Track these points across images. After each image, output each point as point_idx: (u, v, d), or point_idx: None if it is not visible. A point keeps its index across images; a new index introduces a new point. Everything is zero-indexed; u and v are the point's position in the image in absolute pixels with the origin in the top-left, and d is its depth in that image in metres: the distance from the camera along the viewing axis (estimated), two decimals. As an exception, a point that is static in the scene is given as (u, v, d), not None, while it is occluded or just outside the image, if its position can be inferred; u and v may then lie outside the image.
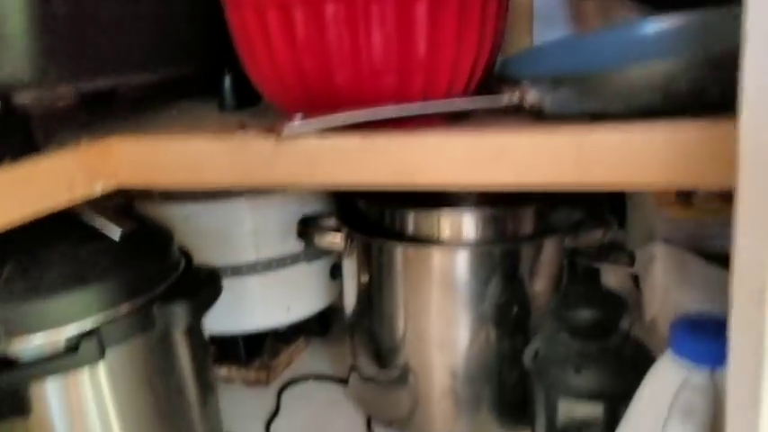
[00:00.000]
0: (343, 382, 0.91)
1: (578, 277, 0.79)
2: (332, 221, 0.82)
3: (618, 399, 0.64)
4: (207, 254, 0.81)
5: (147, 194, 0.84)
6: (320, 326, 1.03)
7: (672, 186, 0.44)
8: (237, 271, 0.87)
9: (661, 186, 0.44)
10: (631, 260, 0.81)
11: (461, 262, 0.73)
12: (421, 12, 0.48)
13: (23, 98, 0.52)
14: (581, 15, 0.69)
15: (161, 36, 0.60)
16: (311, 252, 0.91)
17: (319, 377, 0.94)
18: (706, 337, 0.43)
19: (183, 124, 0.63)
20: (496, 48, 0.56)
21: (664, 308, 0.78)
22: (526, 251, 0.74)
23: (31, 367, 0.51)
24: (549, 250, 0.75)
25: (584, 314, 0.65)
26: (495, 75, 0.58)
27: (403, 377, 0.78)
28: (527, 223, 0.74)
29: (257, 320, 0.91)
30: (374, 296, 0.78)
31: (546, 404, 0.68)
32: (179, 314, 0.58)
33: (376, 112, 0.51)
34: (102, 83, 0.59)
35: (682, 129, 0.42)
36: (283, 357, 0.97)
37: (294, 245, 0.89)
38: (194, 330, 0.66)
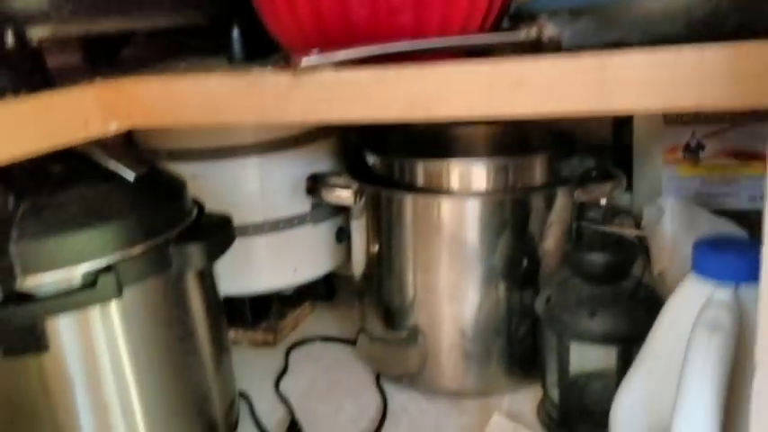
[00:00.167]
0: (351, 343, 0.91)
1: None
2: (340, 179, 0.82)
3: (631, 341, 0.65)
4: (214, 213, 0.81)
5: (153, 153, 0.83)
6: (325, 290, 1.03)
7: (699, 107, 0.44)
8: (244, 231, 0.86)
9: (688, 107, 0.44)
10: (637, 224, 0.81)
11: (471, 212, 0.73)
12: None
13: (37, 32, 0.51)
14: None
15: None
16: (318, 213, 0.91)
17: (326, 338, 0.93)
18: (729, 254, 0.43)
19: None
20: (512, -17, 0.56)
21: (672, 261, 0.78)
22: (536, 201, 0.74)
23: (49, 302, 0.51)
24: (559, 202, 0.75)
25: (598, 258, 0.65)
26: (511, 12, 0.58)
27: (412, 332, 0.78)
28: (537, 173, 0.74)
29: (264, 282, 0.91)
30: (384, 251, 0.78)
31: (558, 351, 0.68)
32: (194, 255, 0.58)
33: (393, 45, 0.52)
34: (112, 24, 0.58)
35: (710, 49, 0.42)
36: (289, 320, 0.97)
37: (301, 205, 0.89)
38: (208, 282, 0.66)
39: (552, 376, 0.72)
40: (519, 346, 0.78)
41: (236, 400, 0.72)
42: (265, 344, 0.93)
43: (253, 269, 0.89)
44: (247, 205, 0.86)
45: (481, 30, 0.57)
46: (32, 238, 0.50)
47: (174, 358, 0.62)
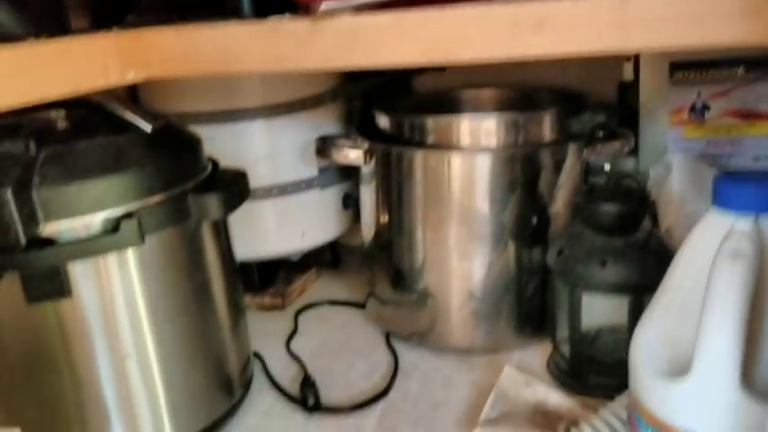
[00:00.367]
0: (359, 306, 0.91)
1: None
2: (349, 141, 0.82)
3: (643, 291, 0.66)
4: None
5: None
6: (331, 258, 1.04)
7: (717, 44, 0.44)
8: (252, 195, 0.86)
9: (707, 44, 0.44)
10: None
11: (482, 167, 0.73)
12: None
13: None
14: None
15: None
16: (325, 178, 0.91)
17: (335, 302, 0.94)
18: (749, 186, 0.44)
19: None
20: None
21: (679, 218, 0.79)
22: (546, 158, 0.74)
23: (72, 247, 0.51)
24: (569, 159, 0.75)
25: (610, 209, 0.65)
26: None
27: (423, 291, 0.79)
28: (547, 129, 0.75)
29: (273, 246, 0.91)
30: (394, 211, 0.78)
31: (570, 304, 0.69)
32: (212, 205, 0.58)
33: (412, -13, 0.52)
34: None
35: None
36: (297, 285, 0.97)
37: (308, 170, 0.89)
38: (224, 239, 0.66)
39: (563, 330, 0.73)
40: (528, 303, 0.78)
41: (250, 357, 0.73)
42: (274, 308, 0.93)
43: (261, 233, 0.89)
44: (255, 169, 0.86)
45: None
46: (54, 184, 0.50)
47: (191, 311, 0.62)
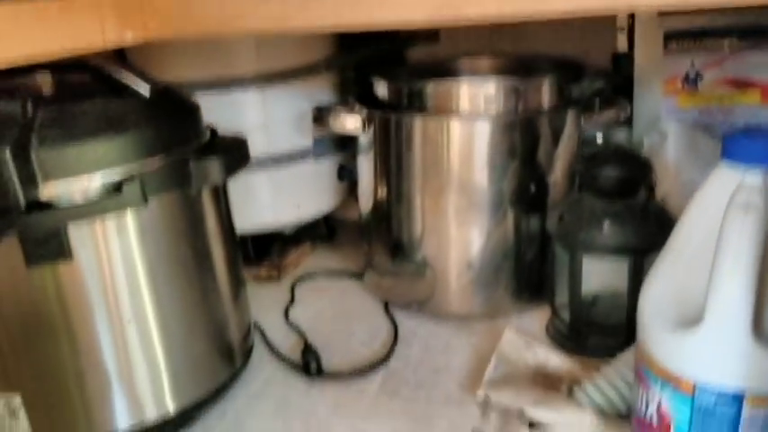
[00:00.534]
0: (355, 277, 0.91)
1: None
2: (346, 110, 0.81)
3: (643, 253, 0.66)
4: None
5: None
6: (326, 231, 1.03)
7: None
8: (248, 165, 0.86)
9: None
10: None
11: (481, 133, 0.73)
12: None
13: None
14: None
15: None
16: (320, 149, 0.91)
17: (331, 273, 0.94)
18: (759, 140, 0.44)
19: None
20: None
21: (675, 184, 0.80)
22: (545, 124, 0.74)
23: (73, 209, 0.50)
24: (567, 126, 0.75)
25: (611, 172, 0.66)
26: None
27: (422, 259, 0.79)
28: (546, 95, 0.75)
29: (268, 218, 0.90)
30: (392, 180, 0.78)
31: (571, 268, 0.69)
32: (213, 170, 0.57)
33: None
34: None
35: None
36: (292, 258, 0.97)
37: (303, 140, 0.89)
38: (224, 206, 0.66)
39: (562, 296, 0.73)
40: (526, 269, 0.79)
41: (251, 326, 0.73)
42: (270, 279, 0.93)
43: (256, 205, 0.88)
44: (249, 139, 0.85)
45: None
46: (54, 145, 0.49)
47: (191, 277, 0.62)
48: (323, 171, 0.93)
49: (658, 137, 0.85)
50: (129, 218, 0.55)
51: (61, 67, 0.55)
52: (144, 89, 0.58)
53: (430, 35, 0.98)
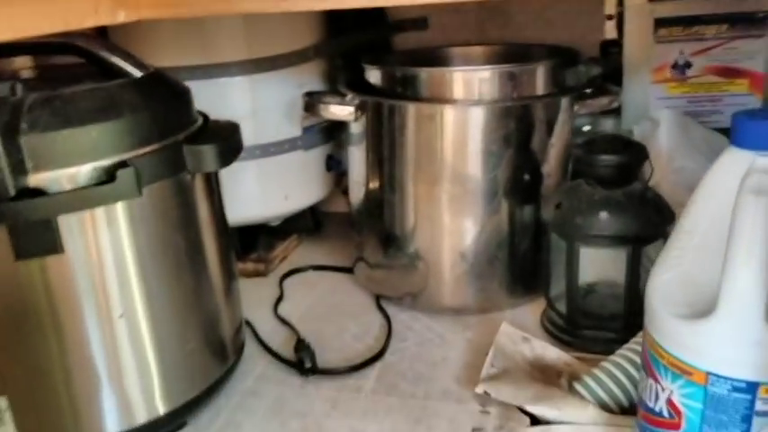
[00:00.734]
0: (344, 271, 0.90)
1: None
2: (336, 97, 0.79)
3: (642, 241, 0.65)
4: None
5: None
6: (312, 223, 1.01)
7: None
8: (235, 156, 0.84)
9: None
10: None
11: (475, 120, 0.72)
12: None
13: None
14: None
15: None
16: (309, 139, 0.89)
17: (319, 267, 0.92)
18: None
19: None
20: None
21: (668, 172, 0.79)
22: (539, 111, 0.73)
23: (64, 198, 0.48)
24: (561, 113, 0.74)
25: (610, 160, 0.65)
26: None
27: (415, 251, 0.77)
28: (541, 82, 0.74)
29: (255, 210, 0.88)
30: (385, 170, 0.76)
31: (568, 257, 0.68)
32: (208, 157, 0.55)
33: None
34: None
35: None
36: (279, 251, 0.95)
37: (292, 129, 0.87)
38: (216, 196, 0.64)
39: (558, 286, 0.72)
40: (521, 261, 0.78)
41: (242, 321, 0.70)
42: (256, 274, 0.91)
43: (243, 196, 0.86)
44: (238, 128, 0.83)
45: None
46: (44, 130, 0.47)
47: (183, 270, 0.59)
48: (311, 161, 0.91)
49: (650, 124, 0.84)
50: (120, 207, 0.52)
51: (45, 48, 0.52)
52: (135, 72, 0.55)
53: (418, 22, 0.96)
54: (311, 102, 0.78)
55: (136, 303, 0.56)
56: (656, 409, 0.48)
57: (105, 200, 0.49)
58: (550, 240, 0.72)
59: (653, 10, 0.87)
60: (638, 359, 0.59)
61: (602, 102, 0.78)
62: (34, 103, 0.47)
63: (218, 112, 0.78)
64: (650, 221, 0.65)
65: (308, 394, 0.66)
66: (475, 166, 0.73)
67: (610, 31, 0.95)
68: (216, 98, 0.80)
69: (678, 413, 0.47)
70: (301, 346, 0.70)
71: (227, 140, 0.57)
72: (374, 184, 0.79)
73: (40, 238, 0.48)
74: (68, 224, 0.50)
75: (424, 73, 0.72)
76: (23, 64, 0.54)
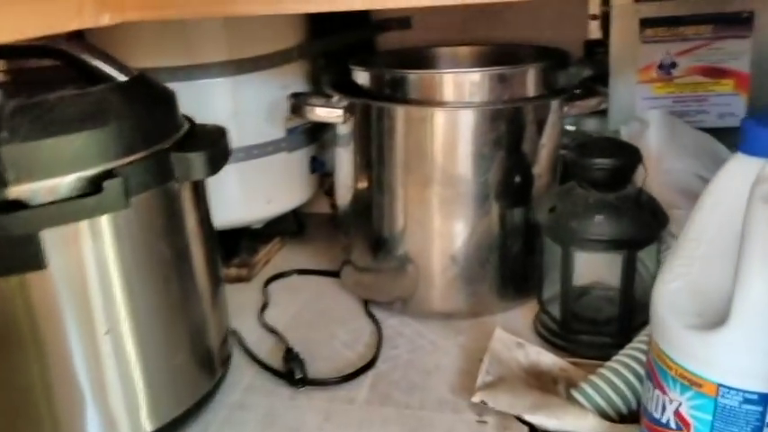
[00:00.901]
0: (329, 275, 0.88)
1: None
2: (321, 99, 0.77)
3: (638, 245, 0.65)
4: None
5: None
6: (296, 225, 0.99)
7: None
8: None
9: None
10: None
11: (466, 123, 0.70)
12: None
13: None
14: None
15: None
16: (292, 141, 0.87)
17: (303, 271, 0.90)
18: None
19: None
20: None
21: (657, 173, 0.78)
22: (529, 113, 0.72)
23: (48, 210, 0.45)
24: (551, 115, 0.73)
25: (605, 163, 0.64)
26: None
27: (405, 255, 0.76)
28: (531, 84, 0.72)
29: (238, 213, 0.86)
30: (374, 172, 0.75)
31: (563, 261, 0.67)
32: (197, 164, 0.53)
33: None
34: None
35: None
36: (261, 255, 0.93)
37: (276, 131, 0.84)
38: (203, 204, 0.61)
39: (551, 290, 0.72)
40: (512, 263, 0.77)
41: (228, 330, 0.68)
42: (239, 280, 0.88)
43: (226, 200, 0.83)
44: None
45: None
46: (25, 140, 0.44)
47: (170, 282, 0.57)
48: (295, 163, 0.89)
49: (638, 125, 0.84)
50: (105, 219, 0.50)
51: (25, 51, 0.49)
52: (120, 76, 0.53)
53: (402, 21, 0.95)
54: (297, 104, 0.76)
55: (121, 318, 0.53)
56: (663, 420, 0.48)
57: (92, 212, 0.47)
58: (543, 243, 0.71)
59: (638, 10, 0.87)
60: (635, 365, 0.58)
61: (591, 103, 0.77)
62: (14, 110, 0.44)
63: (199, 114, 0.76)
64: (645, 225, 0.65)
65: (299, 406, 0.64)
66: (466, 168, 0.72)
67: (594, 30, 0.94)
68: (197, 100, 0.77)
69: (686, 425, 0.46)
70: (291, 355, 0.68)
71: (215, 146, 0.55)
72: (362, 187, 0.77)
73: (22, 254, 0.45)
74: (50, 238, 0.48)
75: (414, 75, 0.71)
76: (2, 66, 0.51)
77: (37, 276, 0.48)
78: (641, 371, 0.57)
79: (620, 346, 0.62)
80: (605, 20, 0.90)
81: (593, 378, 0.60)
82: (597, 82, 0.87)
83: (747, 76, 0.86)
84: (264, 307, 0.82)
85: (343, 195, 0.80)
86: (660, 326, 0.47)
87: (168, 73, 0.75)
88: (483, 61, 0.86)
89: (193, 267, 0.59)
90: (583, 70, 0.76)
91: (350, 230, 0.81)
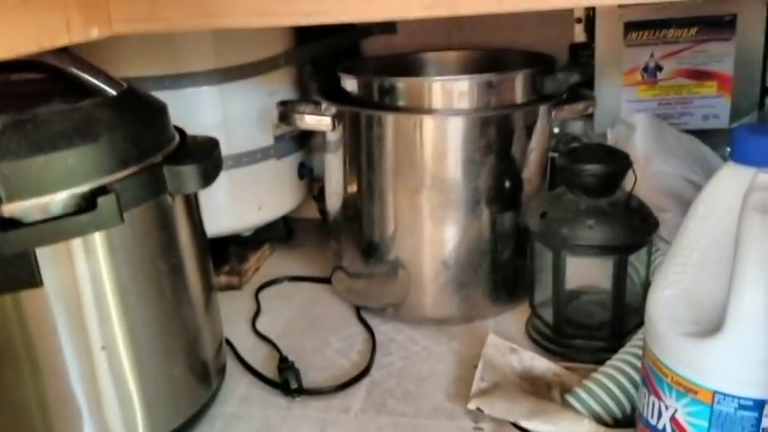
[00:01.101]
0: (320, 281, 0.88)
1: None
2: (309, 106, 0.77)
3: (628, 250, 0.65)
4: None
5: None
6: (285, 231, 0.99)
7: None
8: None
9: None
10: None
11: (455, 129, 0.71)
12: None
13: None
14: None
15: None
16: (281, 147, 0.86)
17: (294, 278, 0.90)
18: (768, 140, 0.43)
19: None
20: None
21: (644, 176, 0.79)
22: (518, 119, 0.72)
23: (44, 228, 0.44)
24: (539, 120, 0.74)
25: (596, 169, 0.64)
26: None
27: (396, 261, 0.76)
28: (519, 90, 0.73)
29: (228, 222, 0.86)
30: (363, 179, 0.75)
31: (554, 267, 0.68)
32: (189, 177, 0.53)
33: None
34: None
35: None
36: (252, 262, 0.92)
37: (264, 138, 0.84)
38: (196, 215, 0.61)
39: (543, 294, 0.72)
40: (502, 268, 0.77)
41: (223, 341, 0.68)
42: (230, 288, 0.88)
43: (216, 209, 0.83)
44: (208, 138, 0.80)
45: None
46: (17, 158, 0.44)
47: (165, 294, 0.57)
48: (284, 170, 0.89)
49: (625, 128, 0.85)
50: (98, 234, 0.49)
51: (11, 66, 0.49)
52: (109, 90, 0.52)
53: (387, 26, 0.95)
54: (286, 112, 0.76)
55: (117, 334, 0.53)
56: (659, 426, 0.48)
57: (86, 229, 0.46)
58: (534, 248, 0.71)
59: (623, 14, 0.87)
60: (629, 369, 0.59)
61: (578, 107, 0.78)
62: (5, 127, 0.44)
63: (187, 122, 0.76)
64: (635, 230, 0.65)
65: (295, 416, 0.64)
66: (455, 174, 0.72)
67: (579, 34, 0.95)
68: (185, 109, 0.77)
69: (683, 431, 0.46)
70: (285, 365, 0.68)
71: (207, 159, 0.55)
72: (352, 193, 0.77)
73: (17, 272, 0.44)
74: (43, 254, 0.47)
75: (403, 83, 0.71)
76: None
77: (31, 293, 0.48)
78: (635, 375, 0.58)
79: (614, 350, 0.62)
80: (590, 23, 0.91)
81: (588, 383, 0.60)
82: (583, 85, 0.88)
83: (731, 77, 0.87)
84: (257, 315, 0.81)
85: (334, 202, 0.80)
86: (655, 333, 0.48)
87: (155, 82, 0.75)
88: (470, 67, 0.86)
89: (187, 279, 0.59)
90: (570, 76, 0.76)
91: (340, 236, 0.81)
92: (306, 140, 0.91)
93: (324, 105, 0.75)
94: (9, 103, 0.47)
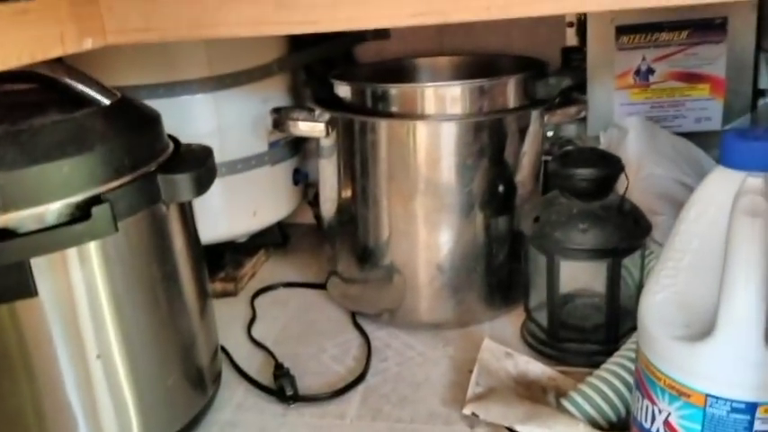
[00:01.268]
0: (315, 287, 0.88)
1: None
2: (303, 113, 0.77)
3: (621, 253, 0.66)
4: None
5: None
6: (280, 237, 0.99)
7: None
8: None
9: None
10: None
11: (448, 135, 0.71)
12: None
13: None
14: None
15: None
16: (275, 154, 0.87)
17: (290, 284, 0.90)
18: (759, 143, 0.43)
19: None
20: None
21: (637, 179, 0.80)
22: (511, 124, 0.73)
23: (39, 238, 0.45)
24: (532, 125, 0.74)
25: (588, 173, 0.65)
26: None
27: (390, 266, 0.76)
28: (512, 95, 0.73)
29: (223, 228, 0.86)
30: (357, 185, 0.75)
31: (548, 270, 0.68)
32: (183, 186, 0.53)
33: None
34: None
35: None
36: (247, 268, 0.92)
37: (258, 145, 0.84)
38: (191, 222, 0.61)
39: (537, 298, 0.72)
40: (497, 272, 0.77)
41: (218, 348, 0.68)
42: (226, 294, 0.88)
43: (211, 215, 0.83)
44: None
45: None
46: (12, 168, 0.44)
47: (160, 304, 0.57)
48: (279, 176, 0.89)
49: (617, 131, 0.85)
50: (93, 244, 0.49)
51: (12, 77, 0.49)
52: (103, 100, 0.52)
53: (380, 32, 0.95)
54: (279, 119, 0.76)
55: (112, 342, 0.53)
56: (653, 429, 0.48)
57: (81, 239, 0.46)
58: (528, 252, 0.72)
59: (614, 18, 0.88)
60: (623, 373, 0.59)
61: (571, 111, 0.78)
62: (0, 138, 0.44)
63: (182, 130, 0.76)
64: (629, 233, 0.66)
65: (291, 423, 0.64)
66: (449, 179, 0.72)
67: (571, 38, 0.95)
68: (179, 117, 0.78)
69: (676, 433, 0.47)
70: (281, 372, 0.68)
71: (201, 167, 0.55)
72: (347, 199, 0.77)
73: (12, 283, 0.45)
74: (38, 265, 0.47)
75: (396, 89, 0.71)
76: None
77: (27, 303, 0.48)
78: (630, 378, 0.58)
79: (608, 353, 0.63)
80: (582, 27, 0.91)
81: (583, 387, 0.60)
82: (575, 89, 0.89)
83: (723, 80, 0.87)
84: (252, 321, 0.82)
85: (328, 207, 0.81)
86: (647, 337, 0.48)
87: (149, 90, 0.75)
88: (463, 71, 0.87)
89: (182, 287, 0.59)
90: (562, 80, 0.76)
91: (335, 242, 0.81)
92: (300, 146, 0.91)
93: (317, 112, 0.75)
94: (3, 113, 0.47)
